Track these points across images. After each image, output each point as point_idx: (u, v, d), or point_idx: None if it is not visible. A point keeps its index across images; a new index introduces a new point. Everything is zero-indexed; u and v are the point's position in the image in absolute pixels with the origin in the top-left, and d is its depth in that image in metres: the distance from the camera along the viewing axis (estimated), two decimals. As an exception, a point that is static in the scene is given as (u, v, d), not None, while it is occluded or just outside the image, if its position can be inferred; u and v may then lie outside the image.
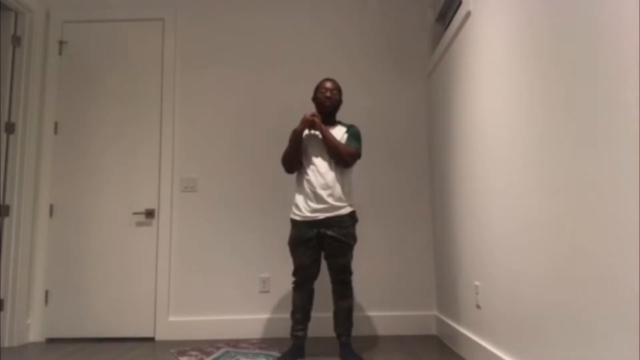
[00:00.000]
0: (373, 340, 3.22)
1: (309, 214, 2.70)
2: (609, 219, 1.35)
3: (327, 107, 2.84)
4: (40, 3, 3.61)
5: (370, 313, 3.44)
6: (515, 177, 2.00)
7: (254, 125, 3.62)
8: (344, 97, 3.61)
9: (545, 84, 1.72)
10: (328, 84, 2.87)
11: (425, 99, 3.64)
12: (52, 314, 3.41)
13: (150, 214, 3.50)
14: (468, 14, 2.57)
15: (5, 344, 3.21)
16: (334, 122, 2.88)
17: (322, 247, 2.73)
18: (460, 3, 2.83)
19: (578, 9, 1.50)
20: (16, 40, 3.47)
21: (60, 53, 3.67)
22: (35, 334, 3.40)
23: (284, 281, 3.38)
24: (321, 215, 2.68)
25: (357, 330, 3.39)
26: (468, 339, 2.65)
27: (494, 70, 2.23)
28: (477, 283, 2.52)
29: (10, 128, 3.39)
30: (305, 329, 2.76)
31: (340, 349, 2.73)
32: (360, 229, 3.49)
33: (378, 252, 3.50)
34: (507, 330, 2.13)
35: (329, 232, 2.68)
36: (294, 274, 2.77)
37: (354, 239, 2.76)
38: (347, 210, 2.73)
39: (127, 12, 3.70)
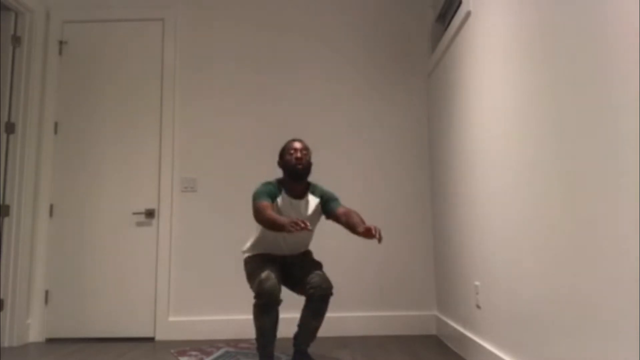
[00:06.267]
0: (373, 340, 3.22)
1: (271, 253, 2.59)
2: (608, 218, 1.35)
3: (299, 170, 2.47)
4: (40, 3, 3.61)
5: (371, 313, 3.43)
6: (515, 176, 2.00)
7: (253, 126, 3.62)
8: (345, 97, 3.64)
9: (545, 84, 1.72)
10: (297, 144, 2.51)
11: (425, 99, 3.64)
12: (52, 314, 3.41)
13: (150, 214, 3.50)
14: (468, 14, 2.58)
15: (5, 344, 3.21)
16: (306, 190, 2.55)
17: (285, 274, 2.55)
18: (460, 3, 2.83)
19: (578, 9, 1.50)
20: (16, 40, 3.47)
21: (60, 53, 3.67)
22: (35, 334, 3.40)
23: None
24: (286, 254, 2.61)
25: (358, 330, 3.39)
26: (468, 339, 2.65)
27: (494, 70, 2.23)
28: (477, 283, 2.52)
29: (10, 128, 3.39)
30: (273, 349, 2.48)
31: (296, 355, 2.56)
32: (360, 229, 3.52)
33: (378, 252, 3.50)
34: (507, 330, 2.13)
35: (295, 261, 2.59)
36: (261, 296, 2.34)
37: None
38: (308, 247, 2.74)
39: (127, 12, 3.70)
